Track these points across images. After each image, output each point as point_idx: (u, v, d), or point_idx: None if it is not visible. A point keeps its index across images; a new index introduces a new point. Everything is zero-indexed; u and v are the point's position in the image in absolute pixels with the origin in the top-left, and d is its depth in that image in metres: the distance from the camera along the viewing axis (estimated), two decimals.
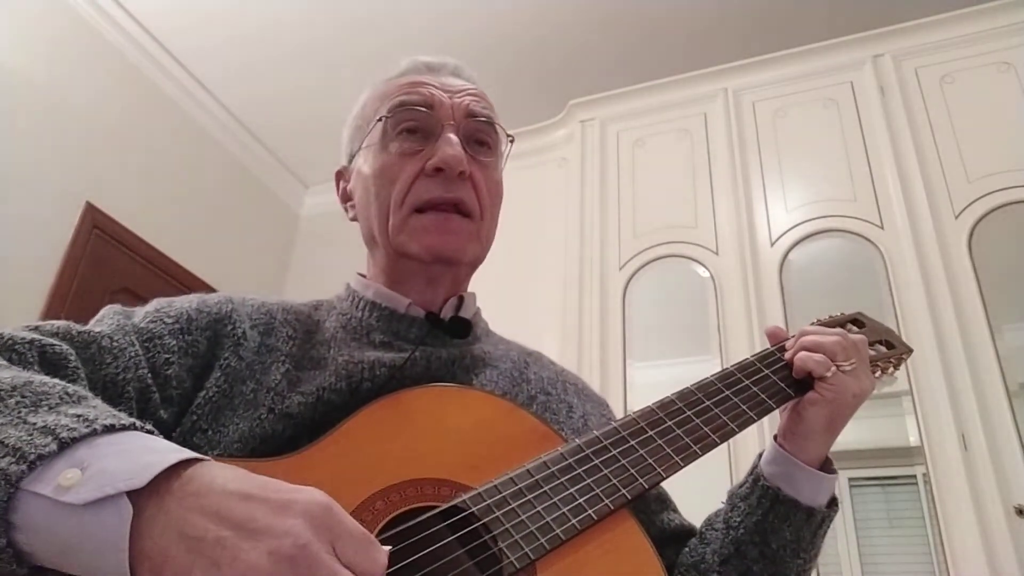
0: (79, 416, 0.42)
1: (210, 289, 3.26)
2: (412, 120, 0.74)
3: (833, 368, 0.69)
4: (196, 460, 0.41)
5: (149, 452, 0.40)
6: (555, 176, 2.76)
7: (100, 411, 0.44)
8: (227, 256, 3.51)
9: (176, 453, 0.40)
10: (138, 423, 0.44)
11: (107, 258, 2.91)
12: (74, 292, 2.73)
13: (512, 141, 0.80)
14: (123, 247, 2.99)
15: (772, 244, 2.28)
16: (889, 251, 2.13)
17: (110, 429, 0.42)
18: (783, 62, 2.57)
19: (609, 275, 2.43)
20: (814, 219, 2.26)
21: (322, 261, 3.67)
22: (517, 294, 2.51)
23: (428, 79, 0.77)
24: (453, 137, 0.72)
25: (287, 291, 3.80)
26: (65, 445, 0.39)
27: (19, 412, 0.42)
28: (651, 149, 2.63)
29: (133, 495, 0.38)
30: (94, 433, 0.41)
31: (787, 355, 0.73)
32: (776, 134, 2.46)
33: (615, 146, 2.67)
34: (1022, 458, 1.75)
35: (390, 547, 0.42)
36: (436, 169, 0.71)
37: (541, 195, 2.72)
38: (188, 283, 3.19)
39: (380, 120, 0.76)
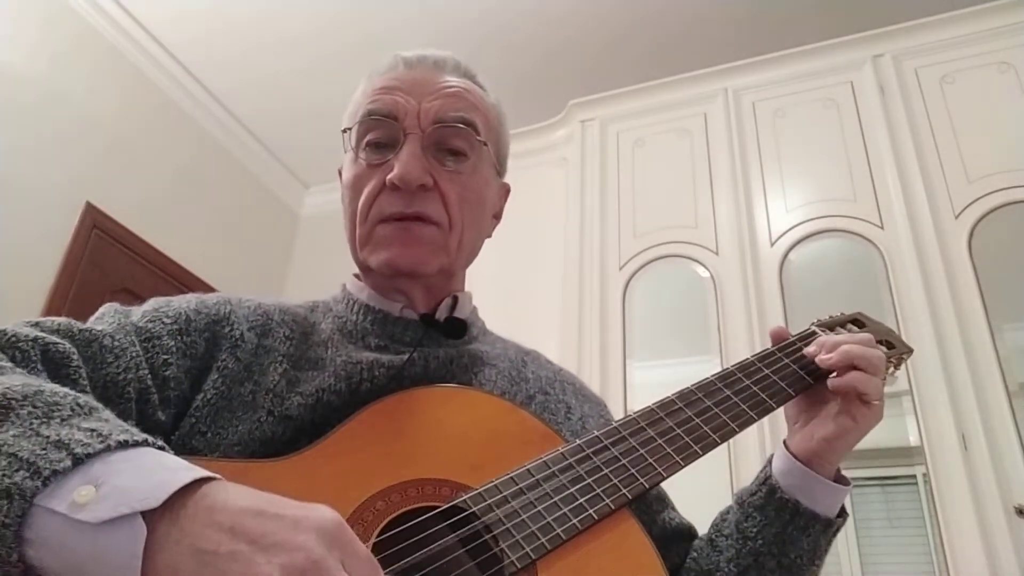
0: (93, 431, 0.42)
1: (210, 289, 3.27)
2: (376, 130, 0.72)
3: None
4: (209, 479, 0.41)
5: (163, 470, 0.40)
6: (555, 176, 2.76)
7: (113, 425, 0.43)
8: (227, 256, 3.51)
9: (189, 472, 0.40)
10: (150, 439, 0.43)
11: (107, 258, 2.91)
12: (74, 292, 2.73)
13: (486, 145, 0.75)
14: (123, 247, 2.99)
15: (772, 244, 2.28)
16: (889, 251, 2.13)
17: (123, 445, 0.41)
18: (783, 62, 2.57)
19: (609, 275, 2.42)
20: (814, 219, 2.26)
21: (322, 261, 3.67)
22: (517, 294, 2.52)
23: (401, 81, 0.74)
24: (411, 149, 0.70)
25: (287, 291, 3.80)
26: (79, 461, 0.39)
27: (31, 423, 0.42)
28: (651, 149, 2.62)
29: (146, 514, 0.38)
30: (108, 449, 0.41)
31: (826, 361, 0.70)
32: (776, 134, 2.46)
33: (615, 146, 2.67)
34: (1022, 458, 1.75)
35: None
36: (394, 185, 0.69)
37: (541, 195, 2.72)
38: (188, 283, 3.20)
39: (346, 131, 0.75)
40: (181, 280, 3.19)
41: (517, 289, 2.53)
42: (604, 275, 2.43)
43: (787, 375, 0.72)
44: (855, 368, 0.68)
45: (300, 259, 3.93)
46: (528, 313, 2.46)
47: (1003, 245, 2.07)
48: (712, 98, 2.61)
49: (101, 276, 2.87)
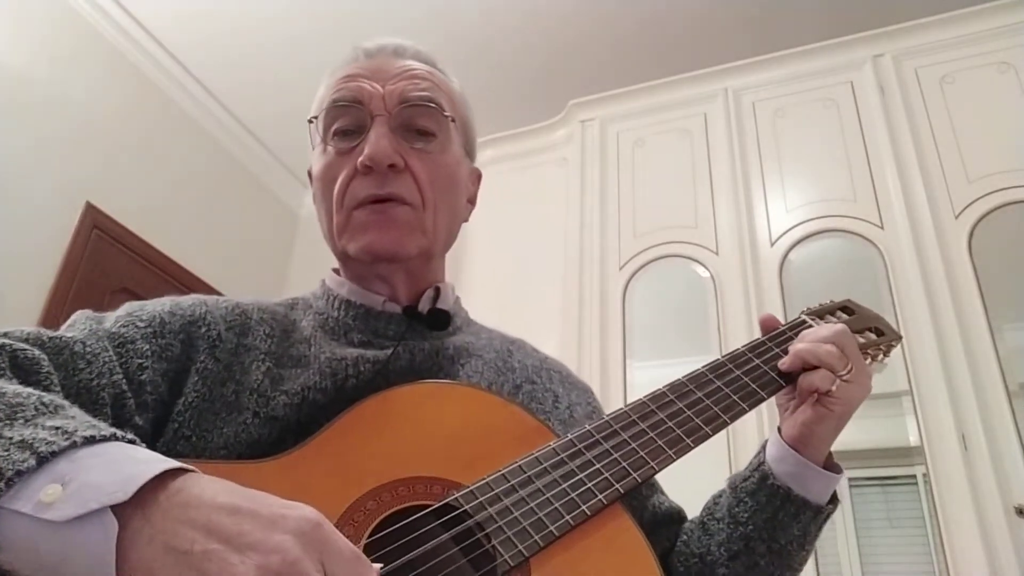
0: (57, 428, 0.40)
1: (211, 289, 3.27)
2: (343, 118, 0.72)
3: (837, 382, 0.68)
4: (182, 471, 0.40)
5: (133, 463, 0.39)
6: (555, 176, 2.76)
7: (79, 422, 0.42)
8: (227, 256, 3.51)
9: (160, 463, 0.39)
10: (119, 433, 0.42)
11: (107, 258, 2.91)
12: (74, 292, 2.73)
13: (453, 121, 0.75)
14: (123, 247, 2.99)
15: (772, 244, 2.28)
16: (889, 251, 2.12)
17: (90, 441, 0.40)
18: (783, 62, 2.57)
19: (609, 275, 2.42)
20: (814, 219, 2.26)
21: (322, 261, 3.65)
22: (517, 294, 2.52)
23: (362, 69, 0.74)
24: (380, 130, 0.69)
25: (287, 291, 3.79)
26: (44, 460, 0.38)
27: None
28: (651, 149, 2.62)
29: (117, 508, 0.36)
30: (74, 446, 0.39)
31: (783, 366, 0.72)
32: (776, 134, 2.46)
33: (615, 146, 2.67)
34: (1022, 458, 1.75)
35: (380, 565, 0.41)
36: (365, 167, 0.69)
37: (541, 195, 2.72)
38: (188, 283, 3.20)
39: (312, 122, 0.75)
40: (181, 280, 3.18)
41: (517, 289, 2.53)
42: (604, 275, 2.43)
43: (776, 365, 0.72)
44: (805, 367, 0.70)
45: (300, 259, 3.93)
46: (528, 313, 2.45)
47: (1003, 245, 2.07)
48: (712, 98, 2.61)
49: (101, 276, 2.87)
